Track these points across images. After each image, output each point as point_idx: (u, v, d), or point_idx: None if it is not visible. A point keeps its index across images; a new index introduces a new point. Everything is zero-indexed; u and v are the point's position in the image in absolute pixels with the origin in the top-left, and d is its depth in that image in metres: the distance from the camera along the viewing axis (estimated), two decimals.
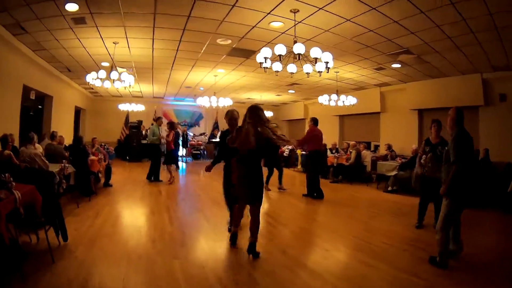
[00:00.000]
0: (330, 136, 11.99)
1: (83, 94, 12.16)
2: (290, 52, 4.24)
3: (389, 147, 8.38)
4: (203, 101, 9.64)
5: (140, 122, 12.91)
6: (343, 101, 8.54)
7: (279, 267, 2.86)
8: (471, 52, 5.76)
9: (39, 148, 5.38)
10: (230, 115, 3.66)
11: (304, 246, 3.61)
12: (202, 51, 6.65)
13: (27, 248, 3.10)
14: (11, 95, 6.10)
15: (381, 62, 6.94)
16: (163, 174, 7.80)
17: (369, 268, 2.92)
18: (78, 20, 4.87)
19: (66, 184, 4.63)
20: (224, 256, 3.17)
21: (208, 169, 3.64)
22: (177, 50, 6.56)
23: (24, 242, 3.20)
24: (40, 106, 8.20)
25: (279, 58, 4.21)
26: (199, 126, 16.48)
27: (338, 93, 8.45)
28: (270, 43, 5.63)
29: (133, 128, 12.50)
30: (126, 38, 5.74)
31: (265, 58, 4.12)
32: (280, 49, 4.11)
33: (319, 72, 4.37)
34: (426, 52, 5.95)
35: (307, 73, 4.36)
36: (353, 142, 9.25)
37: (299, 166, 11.05)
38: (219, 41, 5.93)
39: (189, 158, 13.90)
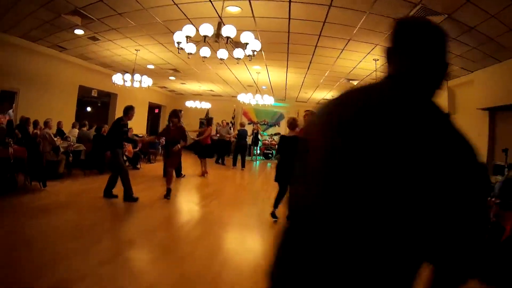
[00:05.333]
0: None
1: (159, 92, 15.25)
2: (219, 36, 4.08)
3: None
4: (243, 98, 10.47)
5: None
6: None
7: None
8: None
9: (75, 132, 7.82)
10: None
11: None
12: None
13: (20, 184, 5.43)
14: (68, 93, 9.33)
15: None
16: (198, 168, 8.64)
17: None
18: (92, 38, 6.71)
19: (72, 157, 6.93)
20: None
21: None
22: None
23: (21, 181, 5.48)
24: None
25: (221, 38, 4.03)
26: (279, 126, 17.31)
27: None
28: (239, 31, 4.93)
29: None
30: (141, 45, 7.27)
31: (187, 37, 4.08)
32: (207, 29, 3.98)
33: (237, 58, 4.37)
34: (454, 6, 4.17)
35: (221, 59, 4.45)
36: None
37: None
38: None
39: (259, 157, 14.87)
